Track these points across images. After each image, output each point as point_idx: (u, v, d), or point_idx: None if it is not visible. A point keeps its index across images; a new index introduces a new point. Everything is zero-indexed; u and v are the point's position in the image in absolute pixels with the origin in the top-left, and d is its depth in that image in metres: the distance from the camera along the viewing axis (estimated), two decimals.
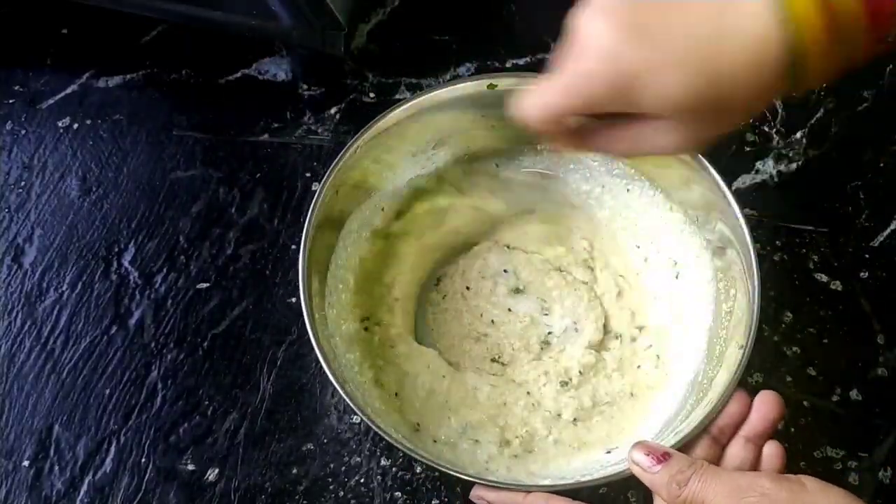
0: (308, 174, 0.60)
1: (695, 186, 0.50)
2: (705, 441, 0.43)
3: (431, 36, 0.66)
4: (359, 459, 0.51)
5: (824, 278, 0.57)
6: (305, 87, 0.64)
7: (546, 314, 0.54)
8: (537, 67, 0.65)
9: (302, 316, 0.45)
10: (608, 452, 0.48)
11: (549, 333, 0.53)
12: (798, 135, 0.62)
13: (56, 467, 0.50)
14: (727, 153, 0.61)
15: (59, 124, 0.62)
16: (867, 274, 0.57)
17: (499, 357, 0.53)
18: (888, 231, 0.58)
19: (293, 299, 0.56)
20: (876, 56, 0.34)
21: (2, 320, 0.55)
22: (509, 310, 0.54)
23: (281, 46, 0.65)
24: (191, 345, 0.54)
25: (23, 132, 0.62)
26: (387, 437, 0.43)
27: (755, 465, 0.42)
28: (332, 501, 0.50)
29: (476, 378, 0.52)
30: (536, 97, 0.38)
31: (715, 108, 0.35)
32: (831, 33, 0.32)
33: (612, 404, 0.51)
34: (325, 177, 0.48)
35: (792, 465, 0.43)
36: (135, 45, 0.66)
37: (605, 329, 0.54)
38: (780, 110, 0.63)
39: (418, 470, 0.51)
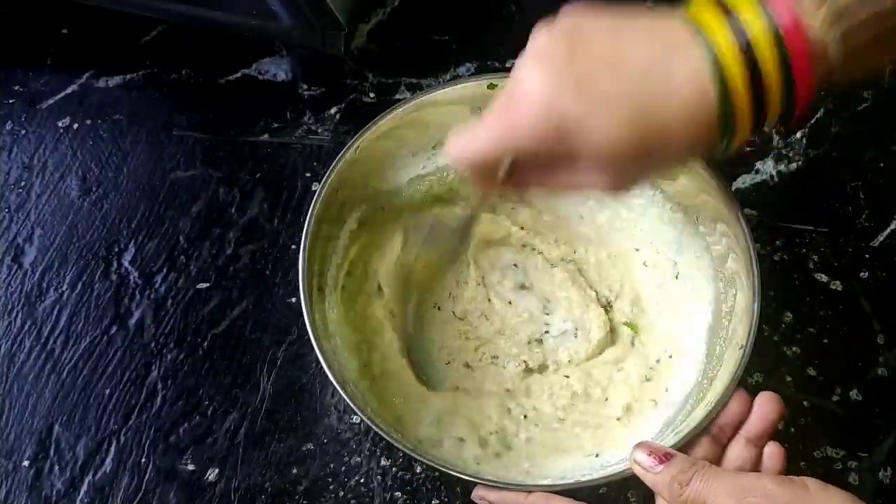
0: (308, 174, 0.60)
1: (694, 187, 0.50)
2: (705, 441, 0.43)
3: (431, 36, 0.66)
4: (359, 459, 0.51)
5: (824, 278, 0.57)
6: (305, 87, 0.64)
7: (547, 314, 0.54)
8: None
9: (302, 316, 0.45)
10: (597, 456, 0.48)
11: (546, 332, 0.53)
12: (798, 135, 0.62)
13: (56, 467, 0.50)
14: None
15: (59, 124, 0.62)
16: (867, 274, 0.57)
17: (485, 351, 0.53)
18: (888, 231, 0.58)
19: (293, 299, 0.56)
20: (817, 99, 0.35)
21: (2, 320, 0.55)
22: (510, 302, 0.54)
23: (281, 46, 0.65)
24: (191, 345, 0.54)
25: (23, 132, 0.62)
26: (387, 437, 0.43)
27: (756, 466, 0.42)
28: (332, 501, 0.50)
29: (459, 373, 0.52)
30: (467, 141, 0.39)
31: (647, 155, 0.36)
32: (757, 89, 0.34)
33: (611, 404, 0.51)
34: (325, 177, 0.49)
35: (792, 465, 0.43)
36: (135, 45, 0.66)
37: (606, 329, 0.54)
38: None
39: (418, 470, 0.51)
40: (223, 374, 0.53)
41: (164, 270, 0.57)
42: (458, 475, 0.43)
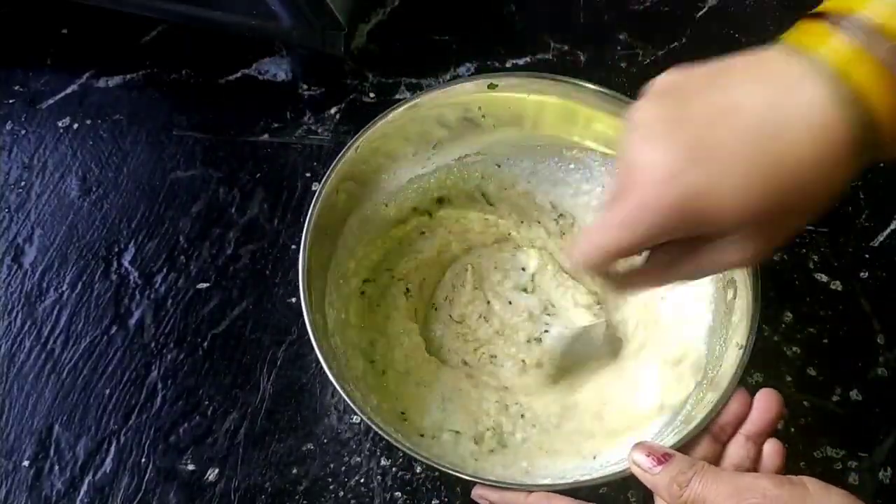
0: (308, 174, 0.60)
1: None
2: (706, 439, 0.43)
3: (431, 36, 0.66)
4: (359, 459, 0.51)
5: (824, 278, 0.57)
6: (305, 87, 0.64)
7: (549, 314, 0.54)
8: (537, 67, 0.65)
9: (302, 316, 0.45)
10: (594, 458, 0.48)
11: (546, 332, 0.53)
12: None
13: (56, 467, 0.50)
14: None
15: (59, 124, 0.62)
16: (867, 274, 0.57)
17: (484, 351, 0.53)
18: (888, 231, 0.58)
19: (293, 299, 0.56)
20: None
21: (2, 320, 0.55)
22: (510, 302, 0.54)
23: (281, 46, 0.65)
24: (191, 345, 0.54)
25: (23, 132, 0.62)
26: (387, 437, 0.43)
27: (756, 463, 0.42)
28: (332, 501, 0.50)
29: (457, 367, 0.52)
30: (593, 239, 0.35)
31: (785, 210, 0.32)
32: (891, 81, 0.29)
33: (610, 404, 0.51)
34: (325, 177, 0.48)
35: (792, 465, 0.43)
36: (135, 45, 0.66)
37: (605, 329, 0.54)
38: None
39: (418, 470, 0.51)
40: (223, 374, 0.53)
41: (164, 270, 0.57)
42: (458, 475, 0.43)
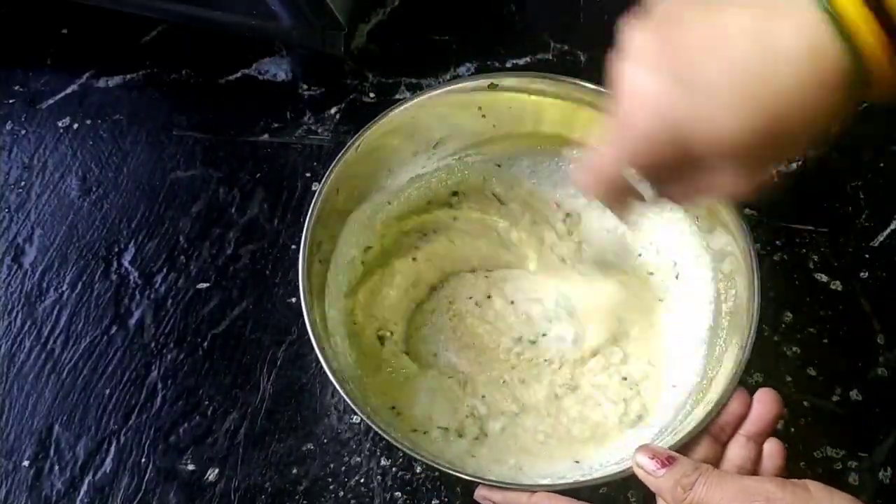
0: (308, 174, 0.60)
1: None
2: (705, 440, 0.43)
3: (431, 36, 0.66)
4: (359, 459, 0.51)
5: (824, 278, 0.57)
6: (305, 87, 0.64)
7: (548, 321, 0.54)
8: (537, 67, 0.65)
9: (302, 316, 0.45)
10: (582, 462, 0.49)
11: (544, 335, 0.53)
12: None
13: (56, 467, 0.50)
14: None
15: (59, 124, 0.62)
16: (867, 274, 0.57)
17: (475, 343, 0.53)
18: (888, 231, 0.58)
19: (293, 299, 0.56)
20: None
21: (2, 320, 0.55)
22: (512, 302, 0.54)
23: (281, 46, 0.65)
24: (191, 345, 0.54)
25: (23, 132, 0.62)
26: (387, 437, 0.43)
27: (756, 464, 0.42)
28: (332, 501, 0.50)
29: (449, 360, 0.52)
30: (593, 166, 0.38)
31: (775, 140, 0.32)
32: (886, 21, 0.29)
33: (609, 404, 0.51)
34: (325, 177, 0.48)
35: (792, 465, 0.44)
36: (135, 45, 0.66)
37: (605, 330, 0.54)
38: None
39: (418, 470, 0.51)
40: (223, 374, 0.53)
41: (164, 270, 0.57)
42: (458, 475, 0.43)
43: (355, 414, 0.44)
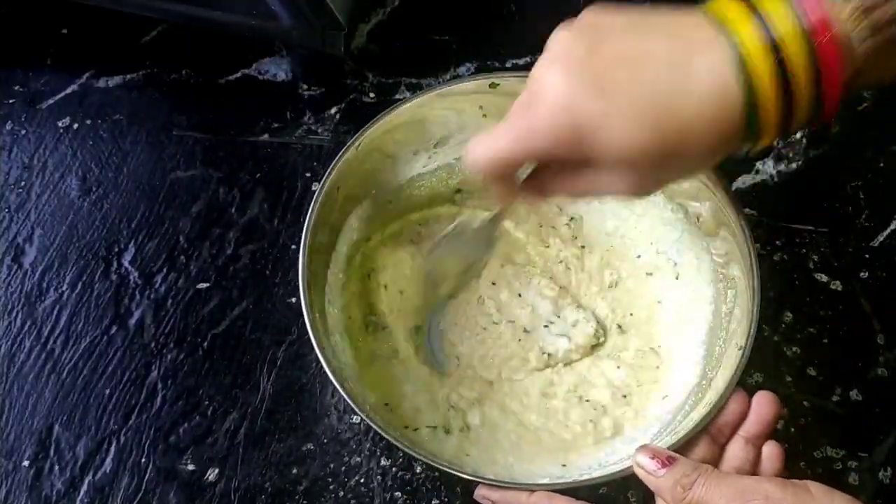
0: (308, 174, 0.60)
1: (695, 187, 0.50)
2: (704, 440, 0.43)
3: (431, 36, 0.66)
4: (359, 459, 0.51)
5: (824, 278, 0.57)
6: (305, 87, 0.64)
7: (551, 322, 0.54)
8: None
9: (302, 316, 0.45)
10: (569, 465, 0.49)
11: (546, 327, 0.53)
12: (798, 135, 0.62)
13: (56, 467, 0.50)
14: None
15: (59, 124, 0.62)
16: (867, 274, 0.57)
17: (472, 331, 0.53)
18: (888, 231, 0.58)
19: (293, 299, 0.56)
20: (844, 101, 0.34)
21: (2, 320, 0.55)
22: (519, 295, 0.54)
23: (281, 46, 0.65)
24: (191, 345, 0.54)
25: (23, 132, 0.62)
26: (387, 437, 0.43)
27: (754, 466, 0.42)
28: (332, 501, 0.50)
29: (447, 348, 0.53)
30: (486, 145, 0.38)
31: (669, 158, 0.35)
32: (784, 88, 0.32)
33: (610, 404, 0.51)
34: (325, 177, 0.49)
35: (792, 465, 0.44)
36: (135, 45, 0.66)
37: (604, 329, 0.54)
38: None
39: (418, 470, 0.51)
40: (223, 374, 0.53)
41: (164, 270, 0.57)
42: (458, 474, 0.43)
43: (355, 414, 0.44)
